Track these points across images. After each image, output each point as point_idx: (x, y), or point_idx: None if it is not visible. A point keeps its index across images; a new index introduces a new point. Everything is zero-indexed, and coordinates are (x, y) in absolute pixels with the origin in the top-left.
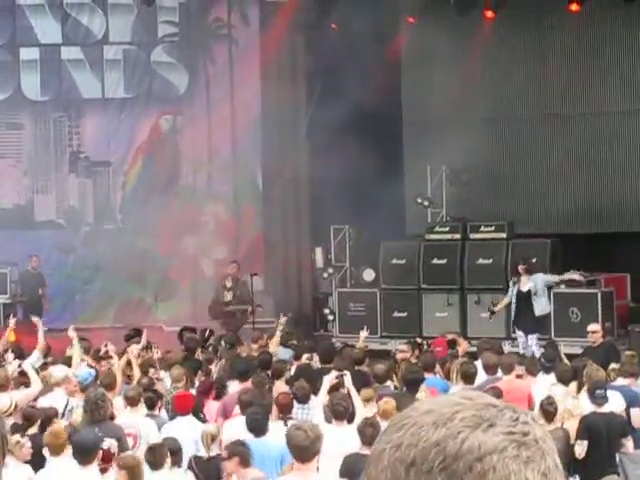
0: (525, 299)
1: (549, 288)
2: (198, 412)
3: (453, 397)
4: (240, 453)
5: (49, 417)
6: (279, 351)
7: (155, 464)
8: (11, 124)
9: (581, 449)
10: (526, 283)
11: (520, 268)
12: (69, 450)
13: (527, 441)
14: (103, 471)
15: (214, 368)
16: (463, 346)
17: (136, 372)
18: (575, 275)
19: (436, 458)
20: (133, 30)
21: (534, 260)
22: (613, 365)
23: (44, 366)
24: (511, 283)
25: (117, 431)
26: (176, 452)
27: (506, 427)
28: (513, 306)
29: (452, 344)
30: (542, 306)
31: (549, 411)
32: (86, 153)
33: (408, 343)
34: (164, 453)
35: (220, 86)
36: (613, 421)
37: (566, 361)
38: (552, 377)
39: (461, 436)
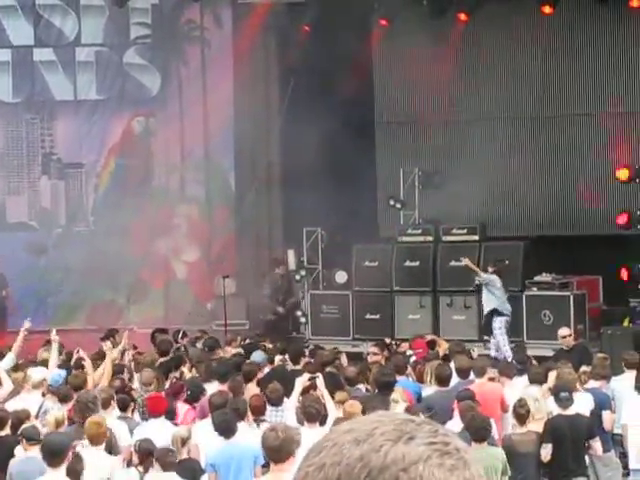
0: None
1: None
2: (172, 414)
3: (372, 416)
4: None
5: (20, 419)
6: (253, 354)
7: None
8: None
9: (545, 452)
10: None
11: (489, 269)
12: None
13: (449, 450)
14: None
15: (186, 370)
16: (443, 347)
17: (108, 368)
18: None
19: (361, 472)
20: (105, 32)
21: (506, 262)
22: (584, 368)
23: (16, 368)
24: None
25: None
26: (151, 453)
27: (427, 438)
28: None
29: (432, 345)
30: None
31: (521, 414)
32: (58, 155)
33: (377, 345)
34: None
35: (193, 88)
36: (578, 423)
37: (535, 363)
38: (525, 379)
39: (384, 449)
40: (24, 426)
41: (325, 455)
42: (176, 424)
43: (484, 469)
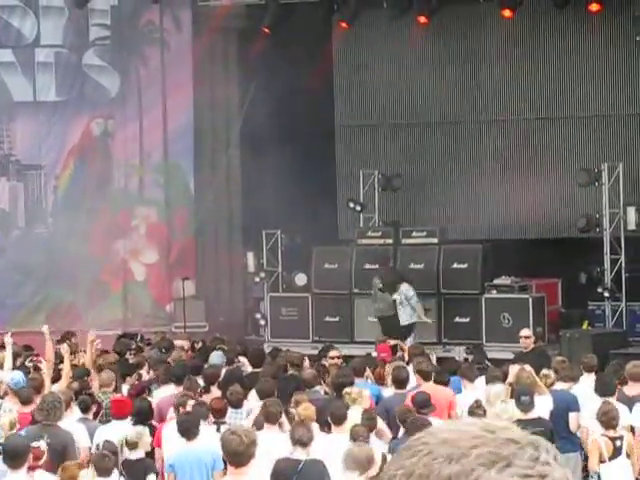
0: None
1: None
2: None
3: (475, 427)
4: None
5: None
6: (211, 356)
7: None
8: None
9: None
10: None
11: (376, 281)
12: None
13: None
14: (32, 469)
15: (144, 372)
16: (407, 350)
17: (67, 370)
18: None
19: None
20: (65, 33)
21: (466, 265)
22: (545, 371)
23: None
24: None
25: (65, 437)
26: (113, 454)
27: (523, 468)
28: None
29: (395, 349)
30: (406, 316)
31: (478, 414)
32: (17, 156)
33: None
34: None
35: (152, 90)
36: (538, 427)
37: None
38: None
39: (475, 474)
40: None
41: (417, 462)
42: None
43: None
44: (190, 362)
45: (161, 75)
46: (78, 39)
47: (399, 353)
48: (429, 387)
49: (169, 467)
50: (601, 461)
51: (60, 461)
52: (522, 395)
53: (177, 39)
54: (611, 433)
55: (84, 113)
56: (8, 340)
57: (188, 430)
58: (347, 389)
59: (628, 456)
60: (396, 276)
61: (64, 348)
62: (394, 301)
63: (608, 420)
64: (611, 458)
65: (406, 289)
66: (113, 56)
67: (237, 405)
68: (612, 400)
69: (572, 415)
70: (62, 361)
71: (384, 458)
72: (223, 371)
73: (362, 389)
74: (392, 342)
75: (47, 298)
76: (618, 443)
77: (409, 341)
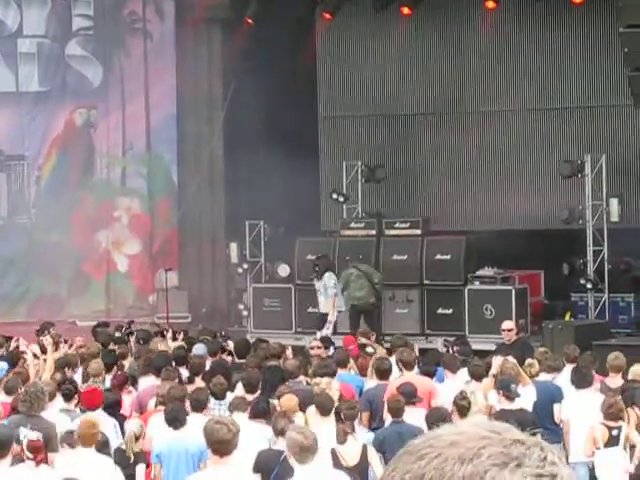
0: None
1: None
2: (117, 407)
3: (479, 428)
4: None
5: None
6: (195, 347)
7: None
8: None
9: None
10: (317, 281)
11: (316, 267)
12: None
13: None
14: (38, 463)
15: (127, 363)
16: (372, 338)
17: (50, 361)
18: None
19: None
20: (47, 23)
21: (449, 256)
22: (530, 360)
23: None
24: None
25: (49, 428)
26: (105, 444)
27: (534, 468)
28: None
29: (362, 347)
30: (322, 305)
31: (463, 406)
32: (0, 147)
33: (320, 339)
34: None
35: (135, 80)
36: (522, 418)
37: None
38: (466, 372)
39: (489, 475)
40: None
41: (426, 465)
42: (122, 415)
43: None
44: (174, 353)
45: (144, 66)
46: (61, 29)
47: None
48: (410, 377)
49: (155, 457)
50: (596, 448)
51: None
52: (508, 385)
53: (160, 30)
54: (610, 423)
55: (67, 103)
56: (22, 342)
57: (175, 419)
58: (316, 379)
59: (633, 447)
60: (326, 264)
61: (47, 340)
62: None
63: (616, 412)
64: (606, 446)
65: (327, 278)
66: (96, 46)
67: (221, 396)
68: (589, 392)
69: (556, 406)
70: (45, 352)
71: (364, 449)
72: (208, 362)
73: (331, 380)
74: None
75: (29, 289)
76: (615, 432)
77: (323, 332)
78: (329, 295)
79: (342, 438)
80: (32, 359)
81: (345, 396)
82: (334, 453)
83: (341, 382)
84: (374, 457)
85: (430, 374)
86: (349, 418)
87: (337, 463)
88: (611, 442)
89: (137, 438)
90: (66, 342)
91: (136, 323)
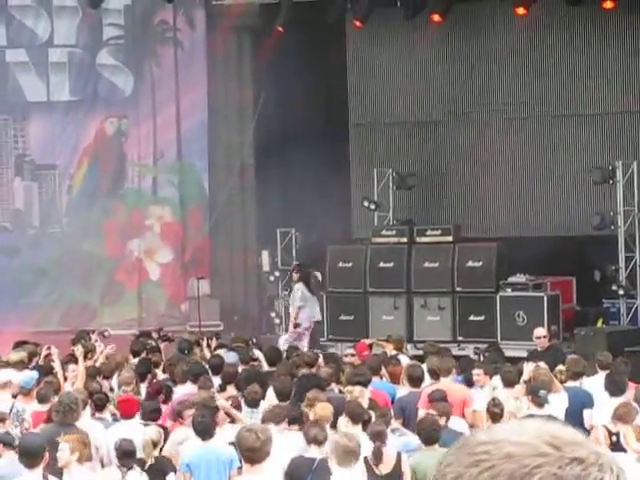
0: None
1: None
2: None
3: (541, 440)
4: None
5: None
6: (226, 355)
7: None
8: None
9: None
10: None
11: (293, 275)
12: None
13: None
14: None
15: (159, 372)
16: (388, 347)
17: (81, 370)
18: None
19: None
20: (78, 33)
21: (480, 263)
22: (560, 367)
23: None
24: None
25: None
26: (131, 453)
27: None
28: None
29: (371, 347)
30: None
31: (495, 412)
32: (32, 156)
33: (353, 347)
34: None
35: (165, 89)
36: None
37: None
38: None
39: None
40: None
41: (478, 475)
42: (161, 425)
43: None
44: (209, 361)
45: (174, 74)
46: (92, 39)
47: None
48: (444, 384)
49: (185, 467)
50: None
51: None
52: (538, 390)
53: (191, 38)
54: (611, 426)
55: (98, 113)
56: (54, 351)
57: (205, 430)
58: (349, 387)
59: None
60: (302, 275)
61: (78, 350)
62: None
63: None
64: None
65: (297, 289)
66: (127, 56)
67: (254, 405)
68: (624, 399)
69: (587, 412)
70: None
71: (398, 457)
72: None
73: (364, 389)
74: (368, 341)
75: (61, 298)
76: (614, 438)
77: (284, 338)
78: (295, 306)
79: (378, 458)
80: (60, 368)
81: (379, 403)
82: (367, 462)
83: (374, 390)
84: (408, 466)
85: (469, 382)
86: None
87: (370, 471)
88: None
89: (155, 445)
90: (101, 353)
91: (165, 331)
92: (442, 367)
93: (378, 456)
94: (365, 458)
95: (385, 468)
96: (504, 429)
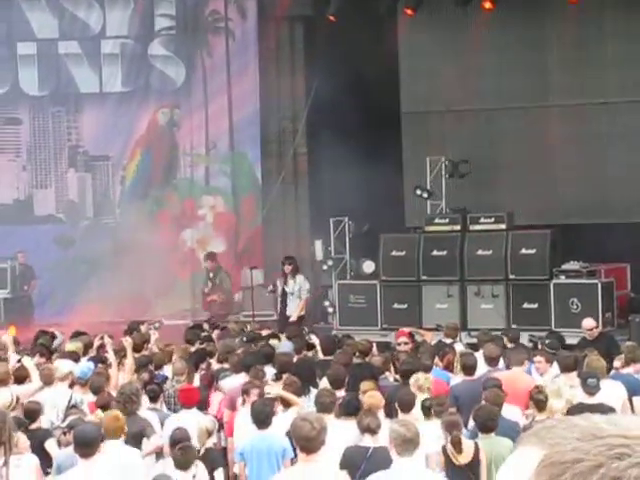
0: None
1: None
2: (205, 405)
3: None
4: None
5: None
6: (281, 344)
7: (184, 463)
8: (9, 119)
9: None
10: (289, 283)
11: (286, 268)
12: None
13: None
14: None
15: (213, 362)
16: (427, 336)
17: (131, 361)
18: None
19: None
20: (130, 24)
21: (534, 251)
22: (615, 356)
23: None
24: (279, 282)
25: (142, 423)
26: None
27: None
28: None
29: (412, 336)
30: (294, 308)
31: (539, 399)
32: (85, 147)
33: (409, 335)
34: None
35: (217, 79)
36: (599, 412)
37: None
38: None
39: None
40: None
41: (626, 468)
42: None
43: (491, 459)
44: (260, 351)
45: (226, 64)
46: (143, 30)
47: (419, 339)
48: (513, 374)
49: (239, 455)
50: None
51: (136, 445)
52: (588, 378)
53: (242, 28)
54: None
55: (150, 103)
56: (108, 340)
57: (261, 418)
58: (415, 376)
59: None
60: (296, 267)
61: (126, 341)
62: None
63: None
64: None
65: (303, 281)
66: (178, 46)
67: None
68: None
69: (637, 399)
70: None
71: (476, 447)
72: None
73: (429, 375)
74: (407, 329)
75: (115, 289)
76: None
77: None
78: (302, 298)
79: (458, 448)
80: (114, 358)
81: (436, 392)
82: (445, 451)
83: (434, 378)
84: (484, 455)
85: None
86: (438, 414)
87: (449, 461)
88: None
89: (210, 434)
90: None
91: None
92: (514, 358)
93: (458, 446)
94: (443, 447)
95: (464, 458)
96: (628, 423)
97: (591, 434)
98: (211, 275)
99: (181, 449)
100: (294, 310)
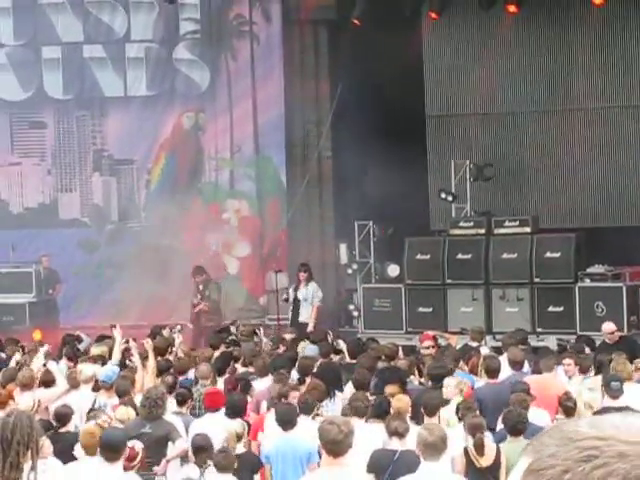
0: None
1: None
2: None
3: None
4: None
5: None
6: (306, 348)
7: (227, 466)
8: (34, 123)
9: None
10: (301, 290)
11: (301, 275)
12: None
13: None
14: (125, 469)
15: (239, 365)
16: (453, 339)
17: (153, 365)
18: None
19: None
20: (155, 28)
21: (559, 254)
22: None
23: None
24: (291, 290)
25: (167, 427)
26: (207, 449)
27: None
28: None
29: (436, 340)
30: (307, 314)
31: (568, 406)
32: (110, 151)
33: (433, 339)
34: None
35: (242, 83)
36: None
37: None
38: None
39: None
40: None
41: (591, 470)
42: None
43: (516, 463)
44: (285, 354)
45: (251, 68)
46: (168, 34)
47: (443, 342)
48: (544, 379)
49: (265, 458)
50: None
51: (162, 449)
52: (612, 382)
53: (267, 32)
54: None
55: (175, 107)
56: (132, 345)
57: (287, 420)
58: (457, 378)
59: None
60: (311, 273)
61: (147, 344)
62: (295, 298)
63: None
64: None
65: (316, 289)
66: (203, 50)
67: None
68: None
69: None
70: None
71: (498, 450)
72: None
73: (461, 380)
74: (431, 333)
75: (140, 292)
76: None
77: None
78: (313, 305)
79: (480, 450)
80: (139, 362)
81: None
82: (467, 454)
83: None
84: (505, 458)
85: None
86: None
87: (471, 463)
88: None
89: (239, 438)
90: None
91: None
92: (544, 364)
93: (480, 448)
94: (465, 450)
95: (486, 460)
96: (609, 423)
97: (567, 438)
98: (200, 287)
99: (222, 452)
100: (307, 317)
